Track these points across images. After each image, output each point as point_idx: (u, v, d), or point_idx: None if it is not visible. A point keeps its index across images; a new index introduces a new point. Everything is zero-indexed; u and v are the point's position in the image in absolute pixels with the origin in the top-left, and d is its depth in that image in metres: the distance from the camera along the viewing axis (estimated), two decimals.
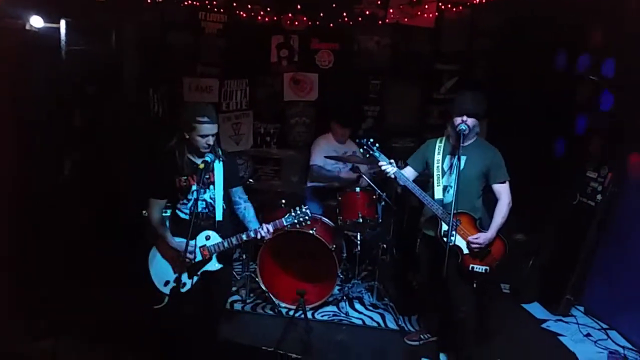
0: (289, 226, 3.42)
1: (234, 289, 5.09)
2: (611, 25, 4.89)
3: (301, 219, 3.40)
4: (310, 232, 4.64)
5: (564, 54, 5.49)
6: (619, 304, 4.66)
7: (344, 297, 4.94)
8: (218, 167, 3.32)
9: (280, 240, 4.77)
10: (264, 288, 4.83)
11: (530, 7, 5.61)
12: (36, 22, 4.62)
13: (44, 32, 4.70)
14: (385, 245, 5.44)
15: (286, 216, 3.42)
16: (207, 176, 3.28)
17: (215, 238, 3.36)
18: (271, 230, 3.36)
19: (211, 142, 3.22)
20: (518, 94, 5.92)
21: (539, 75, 5.68)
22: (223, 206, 3.39)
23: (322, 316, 4.74)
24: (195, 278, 3.35)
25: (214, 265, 3.38)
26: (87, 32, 5.04)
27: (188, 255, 3.19)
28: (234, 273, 5.39)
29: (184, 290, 3.31)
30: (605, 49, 4.94)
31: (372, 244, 5.47)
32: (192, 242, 3.27)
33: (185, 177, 3.28)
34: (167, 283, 3.38)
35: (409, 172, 3.89)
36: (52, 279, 4.42)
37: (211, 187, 3.32)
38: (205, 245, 3.34)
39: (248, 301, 4.93)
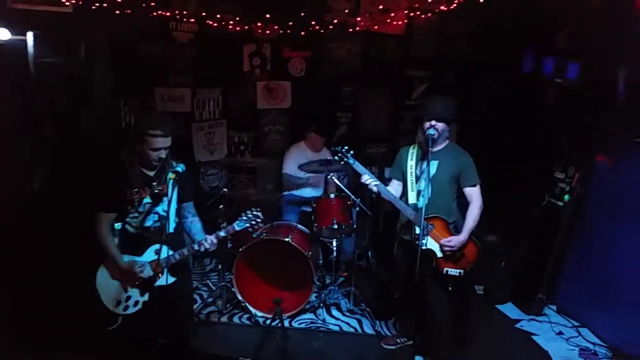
0: (250, 230, 3.36)
1: (209, 299, 5.06)
2: (576, 27, 5.02)
3: (253, 222, 3.32)
4: (286, 239, 4.65)
5: (531, 57, 5.59)
6: (589, 301, 4.77)
7: (321, 304, 4.96)
8: (171, 181, 3.17)
9: (256, 249, 4.77)
10: (240, 298, 4.81)
11: (498, 12, 5.73)
12: (3, 34, 4.55)
13: (11, 45, 4.64)
14: (360, 251, 5.47)
15: (237, 221, 3.34)
16: (160, 188, 3.18)
17: (165, 251, 3.19)
18: (214, 241, 3.25)
19: (163, 156, 3.12)
20: (487, 98, 6.03)
21: (507, 78, 5.79)
22: (176, 219, 3.31)
23: (299, 324, 4.74)
24: (148, 294, 3.24)
25: (167, 279, 3.22)
26: (56, 44, 4.96)
27: (138, 272, 3.13)
28: (209, 283, 5.38)
29: (136, 308, 3.22)
30: (572, 50, 5.06)
31: (348, 249, 5.51)
32: (138, 259, 3.20)
33: (137, 190, 3.16)
34: (118, 303, 3.24)
35: (395, 184, 3.96)
36: (23, 293, 4.33)
37: (164, 199, 3.18)
38: (155, 259, 3.19)
39: (225, 312, 4.91)
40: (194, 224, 3.42)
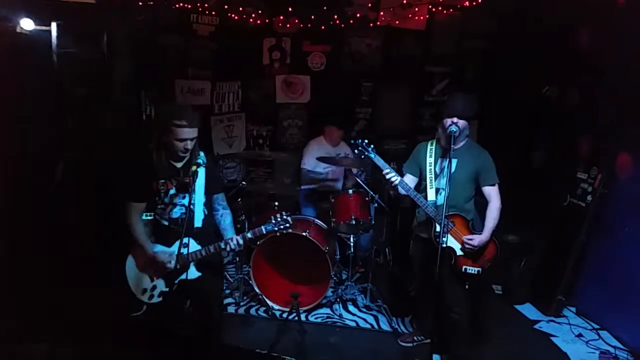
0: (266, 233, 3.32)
1: (227, 291, 5.09)
2: (601, 27, 4.93)
3: (281, 227, 3.29)
4: (304, 234, 4.65)
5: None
6: (610, 304, 4.70)
7: (338, 299, 4.95)
8: (200, 173, 3.18)
9: (274, 243, 4.77)
10: (257, 290, 4.83)
11: (521, 8, 5.66)
12: (27, 25, 4.60)
13: (35, 35, 4.68)
14: (378, 247, 5.45)
15: (266, 224, 3.32)
16: (187, 180, 3.15)
17: (193, 245, 3.21)
18: (240, 242, 3.23)
19: (189, 147, 3.10)
20: (508, 96, 5.97)
21: (530, 76, 5.72)
22: (204, 212, 3.27)
23: (315, 318, 4.74)
24: (174, 287, 3.24)
25: (192, 274, 3.22)
26: (79, 35, 5.00)
27: (165, 263, 3.13)
28: (227, 275, 5.40)
29: (161, 298, 3.22)
30: (596, 50, 4.99)
31: (366, 245, 5.49)
32: (168, 250, 3.19)
33: (163, 181, 3.17)
34: (144, 291, 3.27)
35: (409, 179, 3.90)
36: (47, 281, 4.39)
37: (190, 191, 3.14)
38: (182, 252, 3.14)
39: (241, 304, 4.93)
40: (224, 217, 3.40)
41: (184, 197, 3.19)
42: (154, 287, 3.24)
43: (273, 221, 3.30)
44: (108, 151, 5.07)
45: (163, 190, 3.17)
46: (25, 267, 4.41)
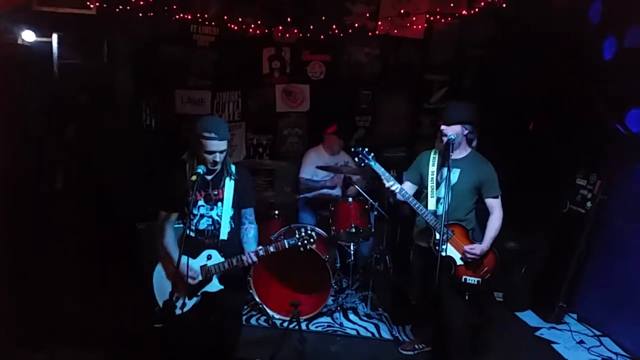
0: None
1: None
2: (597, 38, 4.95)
3: (305, 241, 3.24)
4: None
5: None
6: (611, 310, 4.70)
7: (338, 308, 4.95)
8: (229, 185, 3.19)
9: (274, 252, 4.76)
10: (257, 300, 4.82)
11: (518, 16, 5.69)
12: (28, 36, 4.63)
13: (36, 47, 4.72)
14: (378, 255, 5.45)
15: (290, 238, 3.27)
16: (216, 192, 3.16)
17: (217, 258, 3.21)
18: (256, 257, 3.19)
19: (218, 159, 3.07)
20: (507, 103, 5.99)
21: (528, 83, 5.74)
22: (232, 225, 3.26)
23: (316, 327, 4.74)
24: (195, 299, 3.23)
25: (214, 287, 3.23)
26: (79, 46, 5.05)
27: (190, 276, 3.12)
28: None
29: (184, 310, 3.19)
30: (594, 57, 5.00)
31: (366, 253, 5.49)
32: (194, 261, 3.18)
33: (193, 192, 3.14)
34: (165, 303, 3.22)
35: (408, 187, 3.90)
36: (47, 290, 4.40)
37: (219, 204, 3.18)
38: (206, 264, 3.20)
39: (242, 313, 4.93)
40: (248, 230, 3.35)
41: (211, 209, 3.19)
42: (177, 299, 3.21)
43: (297, 236, 3.25)
44: (106, 160, 5.08)
45: (192, 201, 3.12)
46: (34, 277, 4.44)
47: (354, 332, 4.67)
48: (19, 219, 4.50)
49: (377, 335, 4.64)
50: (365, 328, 4.74)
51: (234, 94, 6.55)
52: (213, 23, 6.15)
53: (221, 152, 3.08)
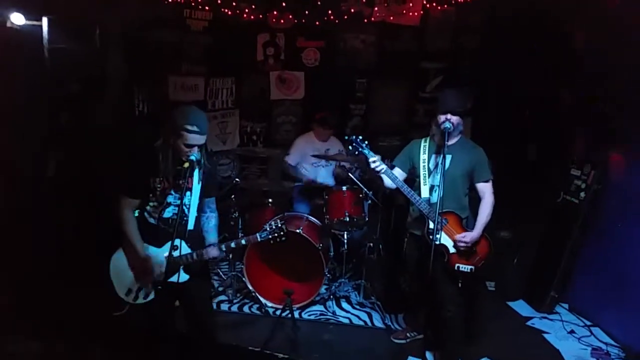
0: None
1: (220, 289, 5.08)
2: (598, 24, 4.92)
3: (276, 235, 3.22)
4: (297, 231, 4.63)
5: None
6: (602, 301, 4.71)
7: (331, 296, 4.95)
8: (197, 174, 3.11)
9: (267, 240, 4.74)
10: (250, 288, 4.81)
11: (514, 4, 5.65)
12: (18, 19, 4.54)
13: (25, 30, 4.62)
14: (372, 244, 5.44)
15: (260, 231, 3.26)
16: (186, 181, 3.04)
17: (184, 249, 3.11)
18: (215, 253, 3.15)
19: (195, 152, 3.00)
20: (503, 91, 5.96)
21: (524, 72, 5.71)
22: (196, 214, 3.18)
23: (309, 315, 4.74)
24: (159, 288, 3.13)
25: (180, 277, 3.08)
26: (70, 30, 4.94)
27: (153, 271, 3.05)
28: (220, 272, 5.38)
29: (146, 299, 3.13)
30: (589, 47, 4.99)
31: (359, 242, 5.48)
32: (157, 250, 3.11)
33: (160, 179, 3.07)
34: (129, 291, 3.15)
35: (398, 173, 3.87)
36: (39, 279, 4.37)
37: (188, 193, 3.09)
38: (171, 255, 3.04)
39: (235, 301, 4.92)
40: (210, 219, 3.29)
41: (180, 198, 3.09)
42: (140, 288, 3.15)
43: (268, 229, 3.23)
44: (100, 147, 5.02)
45: (159, 188, 3.08)
46: (26, 266, 4.40)
47: (346, 321, 4.68)
48: (10, 205, 4.44)
49: (369, 323, 4.65)
50: (358, 317, 4.75)
51: (227, 81, 6.50)
52: (207, 7, 6.07)
53: (199, 146, 3.02)
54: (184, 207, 3.11)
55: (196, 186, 3.12)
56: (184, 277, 3.13)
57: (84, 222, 4.89)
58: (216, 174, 3.36)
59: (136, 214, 3.16)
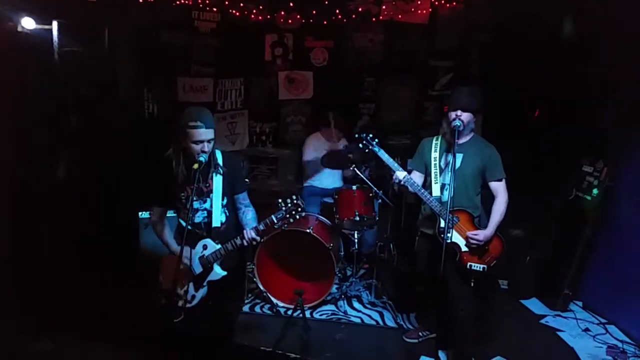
0: (279, 223, 3.17)
1: None
2: (603, 24, 4.87)
3: (293, 211, 3.13)
4: (308, 230, 4.63)
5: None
6: (617, 298, 4.66)
7: (342, 296, 4.94)
8: (217, 177, 3.17)
9: (278, 240, 4.76)
10: (261, 288, 4.81)
11: (524, 2, 5.60)
12: (28, 23, 4.58)
13: (36, 34, 4.67)
14: (382, 243, 5.42)
15: (276, 212, 3.18)
16: (207, 184, 3.13)
17: (212, 246, 3.20)
18: (254, 234, 3.16)
19: (207, 149, 3.03)
20: (513, 89, 5.91)
21: (534, 69, 5.67)
22: (225, 213, 3.25)
23: (320, 315, 4.73)
24: (203, 290, 3.22)
25: (217, 274, 3.22)
26: (80, 33, 5.00)
27: (187, 266, 3.11)
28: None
29: (194, 303, 3.21)
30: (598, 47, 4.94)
31: (370, 242, 5.47)
32: (191, 251, 3.14)
33: (182, 186, 3.13)
34: (179, 297, 3.21)
35: (416, 176, 3.87)
36: (49, 279, 4.40)
37: (211, 195, 3.17)
38: (203, 254, 3.20)
39: (246, 301, 4.92)
40: (246, 213, 3.34)
41: (204, 202, 3.18)
42: (186, 292, 3.19)
43: (284, 207, 3.16)
44: (110, 149, 5.06)
45: (184, 196, 3.14)
46: (37, 266, 4.44)
47: (358, 320, 4.66)
48: (21, 206, 4.48)
49: (381, 323, 4.63)
50: (370, 316, 4.73)
51: (236, 82, 6.51)
52: (215, 9, 6.08)
53: (209, 141, 3.03)
54: (210, 209, 3.18)
55: (217, 187, 3.17)
56: (221, 273, 3.22)
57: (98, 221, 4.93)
58: (240, 170, 3.42)
59: (174, 214, 3.30)
